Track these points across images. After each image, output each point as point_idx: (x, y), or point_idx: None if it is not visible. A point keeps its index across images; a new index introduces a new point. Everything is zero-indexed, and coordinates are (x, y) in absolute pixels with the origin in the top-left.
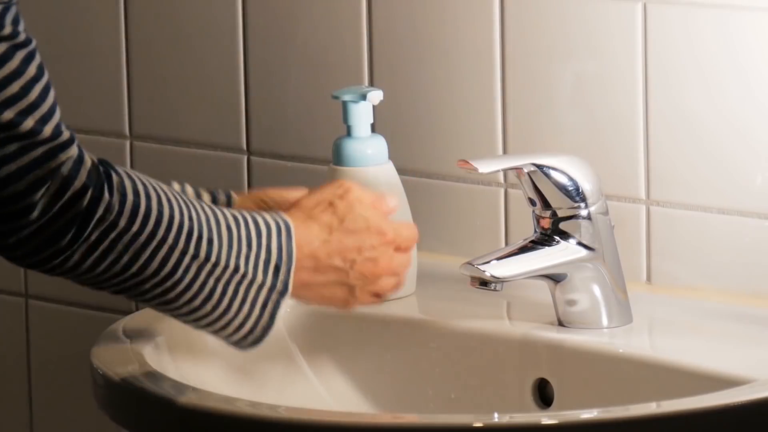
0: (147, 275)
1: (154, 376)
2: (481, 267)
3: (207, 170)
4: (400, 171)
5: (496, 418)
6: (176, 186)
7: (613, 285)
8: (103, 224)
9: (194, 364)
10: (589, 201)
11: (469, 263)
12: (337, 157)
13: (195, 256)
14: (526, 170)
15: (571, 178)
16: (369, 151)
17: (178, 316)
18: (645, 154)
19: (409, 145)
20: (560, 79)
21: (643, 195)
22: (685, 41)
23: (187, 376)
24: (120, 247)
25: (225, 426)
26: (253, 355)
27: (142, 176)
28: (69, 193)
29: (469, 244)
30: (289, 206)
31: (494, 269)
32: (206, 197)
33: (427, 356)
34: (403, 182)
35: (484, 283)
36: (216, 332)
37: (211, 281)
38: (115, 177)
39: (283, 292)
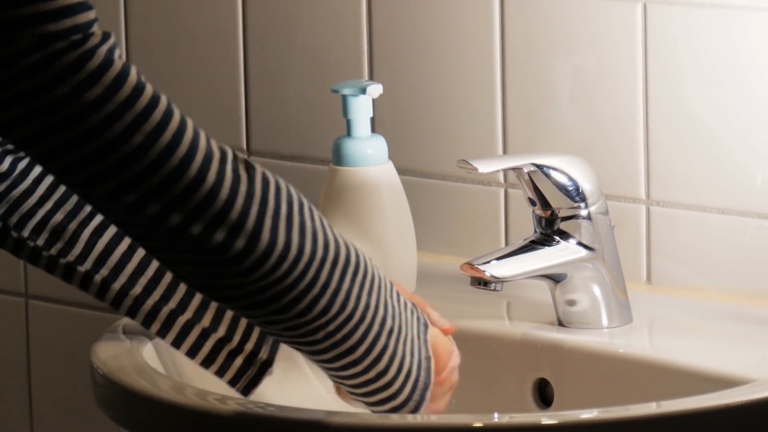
0: (343, 260)
1: (154, 376)
2: (481, 267)
3: None
4: (400, 171)
5: (496, 418)
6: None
7: (613, 285)
8: (281, 192)
9: (194, 364)
10: (589, 201)
11: (469, 263)
12: (337, 157)
13: (358, 253)
14: (526, 170)
15: (571, 178)
16: (369, 151)
17: (346, 339)
18: (645, 153)
19: (409, 145)
20: (560, 80)
21: (643, 195)
22: (685, 41)
23: (187, 376)
24: (308, 220)
25: (225, 426)
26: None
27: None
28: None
29: (469, 244)
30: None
31: (494, 269)
32: None
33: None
34: (403, 182)
35: (484, 283)
36: (378, 359)
37: (382, 286)
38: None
39: (426, 325)
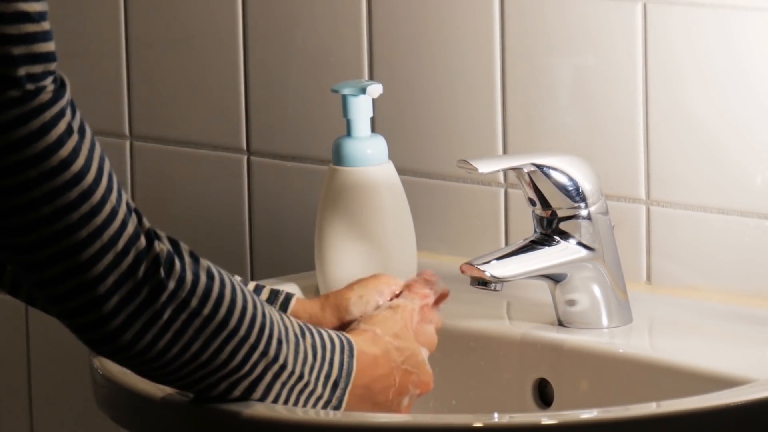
0: (216, 365)
1: None
2: (481, 267)
3: (207, 170)
4: (400, 171)
5: (496, 418)
6: (237, 278)
7: (613, 285)
8: (175, 301)
9: None
10: (589, 201)
11: (469, 263)
12: (337, 157)
13: (264, 354)
14: (526, 170)
15: (571, 178)
16: (369, 151)
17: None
18: (645, 154)
19: (409, 145)
20: (560, 80)
21: (643, 195)
22: (685, 41)
23: None
24: (191, 331)
25: (225, 426)
26: None
27: (212, 264)
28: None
29: (469, 244)
30: (358, 318)
31: (494, 269)
32: (265, 293)
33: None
34: (403, 182)
35: (484, 283)
36: None
37: (277, 384)
38: (186, 257)
39: (336, 407)
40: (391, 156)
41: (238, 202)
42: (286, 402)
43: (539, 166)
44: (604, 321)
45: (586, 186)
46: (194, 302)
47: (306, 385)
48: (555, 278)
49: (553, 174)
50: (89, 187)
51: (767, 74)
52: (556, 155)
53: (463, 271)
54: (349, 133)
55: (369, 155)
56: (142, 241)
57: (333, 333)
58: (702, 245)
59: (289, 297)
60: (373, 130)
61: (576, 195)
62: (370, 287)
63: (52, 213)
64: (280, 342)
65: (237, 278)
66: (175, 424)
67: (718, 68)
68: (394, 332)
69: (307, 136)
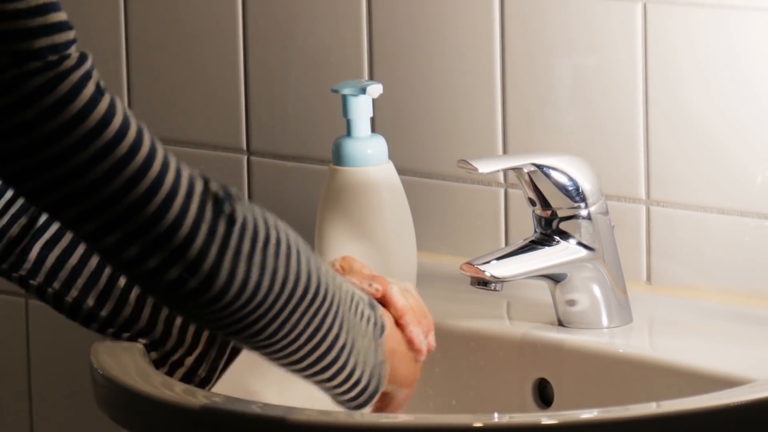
0: (301, 291)
1: (153, 376)
2: (481, 267)
3: (207, 170)
4: (400, 171)
5: (496, 418)
6: None
7: (613, 285)
8: (247, 232)
9: None
10: (589, 201)
11: (469, 263)
12: (337, 157)
13: (326, 273)
14: (526, 170)
15: (571, 178)
16: (369, 151)
17: (309, 354)
18: (645, 154)
19: (409, 145)
20: (560, 80)
21: (643, 195)
22: (685, 41)
23: None
24: (271, 257)
25: (225, 426)
26: (253, 355)
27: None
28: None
29: (469, 244)
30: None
31: (494, 269)
32: None
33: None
34: (403, 182)
35: (484, 283)
36: (338, 372)
37: (342, 304)
38: (232, 189)
39: (382, 329)
40: (391, 156)
41: None
42: (356, 327)
43: (539, 166)
44: (604, 321)
45: (586, 186)
46: (262, 230)
47: (357, 304)
48: (555, 278)
49: (553, 174)
50: (135, 140)
51: (767, 74)
52: (556, 155)
53: (463, 271)
54: (349, 133)
55: (369, 155)
56: (200, 182)
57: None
58: (702, 245)
59: None
60: (373, 130)
61: (576, 195)
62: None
63: (107, 172)
64: (326, 269)
65: None
66: (175, 424)
67: (718, 68)
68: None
69: (307, 136)
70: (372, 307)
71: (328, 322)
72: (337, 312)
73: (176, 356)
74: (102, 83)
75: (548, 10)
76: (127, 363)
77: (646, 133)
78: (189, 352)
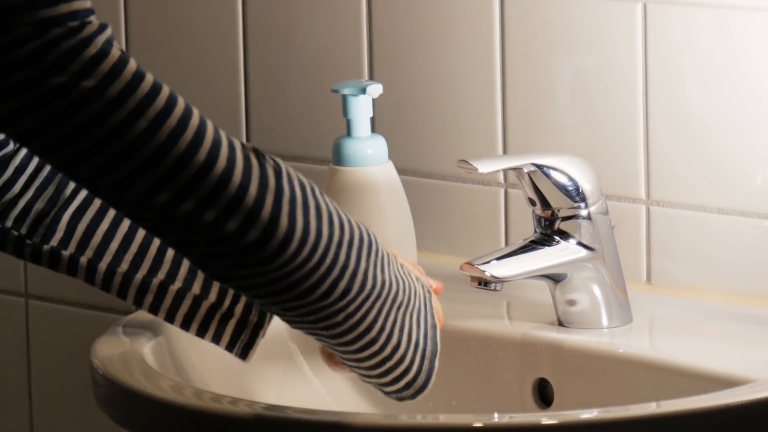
0: (357, 240)
1: (154, 376)
2: (481, 267)
3: None
4: (400, 171)
5: (496, 418)
6: None
7: (613, 285)
8: (294, 181)
9: (194, 364)
10: (589, 201)
11: (469, 263)
12: (337, 157)
13: (368, 229)
14: (526, 170)
15: (571, 178)
16: (369, 151)
17: (365, 317)
18: (645, 154)
19: (409, 145)
20: (560, 80)
21: (643, 195)
22: (685, 41)
23: (187, 376)
24: (323, 203)
25: (225, 426)
26: (253, 355)
27: None
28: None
29: (469, 244)
30: None
31: (494, 269)
32: None
33: None
34: (403, 182)
35: (484, 283)
36: (392, 334)
37: (387, 256)
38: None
39: (429, 291)
40: (391, 156)
41: None
42: (404, 281)
43: (539, 166)
44: (604, 321)
45: (586, 186)
46: (303, 179)
47: (393, 259)
48: (555, 278)
49: (553, 174)
50: (171, 93)
51: (767, 74)
52: (556, 155)
53: (463, 271)
54: (349, 133)
55: (369, 155)
56: (235, 140)
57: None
58: (702, 245)
59: None
60: (373, 130)
61: (576, 195)
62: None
63: (150, 124)
64: (387, 253)
65: None
66: (176, 424)
67: (718, 68)
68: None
69: (307, 136)
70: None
71: (387, 275)
72: (389, 265)
73: (224, 308)
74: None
75: (548, 10)
76: (127, 363)
77: (646, 133)
78: (236, 300)
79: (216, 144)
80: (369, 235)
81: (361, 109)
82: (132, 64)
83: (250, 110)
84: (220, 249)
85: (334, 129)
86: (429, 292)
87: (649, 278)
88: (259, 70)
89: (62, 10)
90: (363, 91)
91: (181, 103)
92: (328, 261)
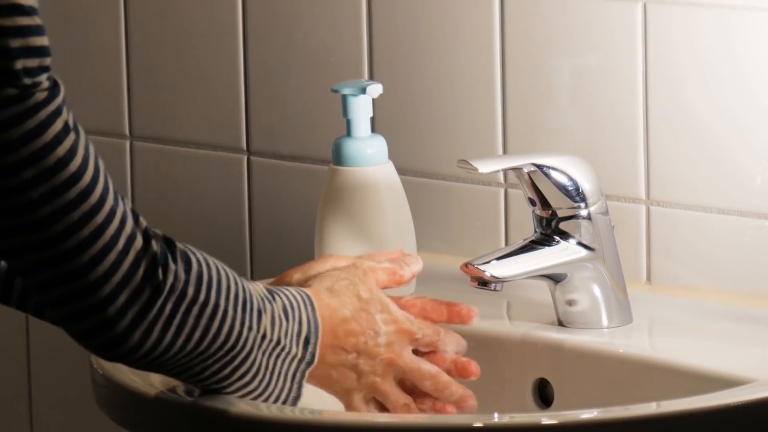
0: (214, 349)
1: (153, 376)
2: (481, 267)
3: (207, 170)
4: (400, 171)
5: (496, 418)
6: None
7: (613, 285)
8: (174, 294)
9: None
10: (589, 201)
11: (469, 263)
12: (337, 157)
13: (250, 328)
14: (526, 170)
15: (571, 178)
16: (369, 151)
17: (219, 391)
18: (645, 154)
19: (409, 145)
20: (560, 80)
21: (643, 195)
22: (685, 41)
23: None
24: (191, 320)
25: (225, 426)
26: None
27: (188, 246)
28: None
29: (469, 244)
30: (310, 278)
31: (494, 269)
32: None
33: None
34: (403, 182)
35: (484, 283)
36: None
37: (260, 355)
38: (178, 245)
39: (310, 363)
40: (391, 156)
41: (238, 202)
42: (266, 369)
43: (539, 166)
44: (604, 321)
45: (586, 186)
46: (190, 292)
47: (282, 348)
48: (555, 278)
49: (553, 174)
50: (87, 186)
51: (767, 74)
52: (556, 155)
53: (463, 271)
54: (349, 133)
55: (369, 155)
56: (140, 239)
57: (293, 290)
58: (702, 245)
59: None
60: (373, 130)
61: (576, 195)
62: (313, 268)
63: (52, 213)
64: (260, 313)
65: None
66: (175, 424)
67: (718, 68)
68: (347, 281)
69: (307, 136)
70: (306, 342)
71: (240, 372)
72: (252, 363)
73: None
74: (71, 121)
75: (548, 10)
76: None
77: (646, 133)
78: None
79: (107, 248)
80: (240, 334)
81: (361, 109)
82: (63, 147)
83: (250, 110)
84: (75, 337)
85: (334, 129)
86: (309, 363)
87: (649, 278)
88: (259, 70)
89: (18, 65)
90: (363, 91)
91: (93, 198)
92: (172, 365)
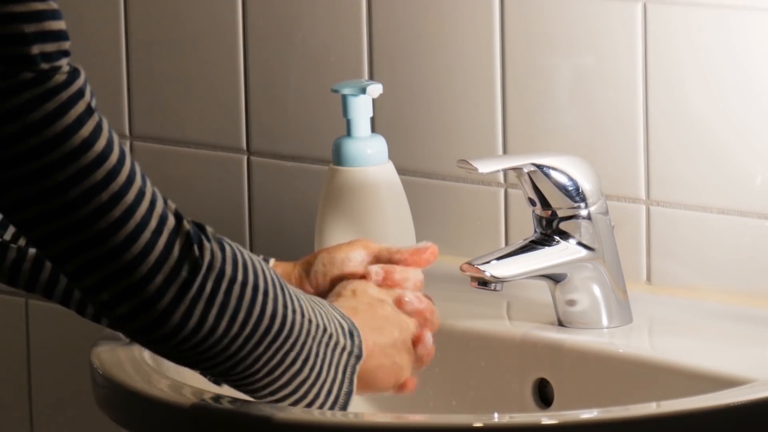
0: (261, 332)
1: (153, 376)
2: (481, 267)
3: (207, 170)
4: (400, 171)
5: (496, 418)
6: None
7: (613, 285)
8: (213, 272)
9: None
10: (589, 201)
11: (469, 263)
12: (337, 157)
13: (294, 311)
14: (526, 170)
15: (571, 178)
16: (369, 151)
17: (268, 386)
18: (645, 154)
19: (409, 145)
20: (560, 80)
21: (643, 195)
22: (685, 41)
23: (187, 376)
24: (233, 300)
25: (224, 426)
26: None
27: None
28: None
29: (469, 244)
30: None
31: (494, 269)
32: None
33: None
34: (403, 182)
35: (484, 283)
36: (299, 401)
37: (310, 341)
38: (207, 227)
39: (359, 357)
40: (391, 156)
41: (238, 202)
42: (316, 356)
43: (539, 166)
44: (604, 321)
45: (586, 186)
46: (228, 270)
47: (330, 336)
48: (555, 278)
49: (553, 174)
50: (114, 167)
51: (767, 74)
52: (556, 155)
53: (463, 271)
54: (349, 133)
55: (369, 155)
56: (172, 219)
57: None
58: (702, 245)
59: (266, 260)
60: (373, 130)
61: (576, 195)
62: (342, 250)
63: (81, 194)
64: (299, 297)
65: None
66: (175, 424)
67: (718, 68)
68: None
69: (307, 136)
70: (351, 335)
71: (290, 358)
72: (301, 348)
73: None
74: (93, 103)
75: (548, 10)
76: (127, 363)
77: (646, 133)
78: None
79: (140, 227)
80: (284, 321)
81: (361, 109)
82: (86, 129)
83: (250, 110)
84: (114, 325)
85: (334, 129)
86: (357, 357)
87: (649, 278)
88: (259, 70)
89: (35, 51)
90: (363, 91)
91: (121, 178)
92: (216, 353)
